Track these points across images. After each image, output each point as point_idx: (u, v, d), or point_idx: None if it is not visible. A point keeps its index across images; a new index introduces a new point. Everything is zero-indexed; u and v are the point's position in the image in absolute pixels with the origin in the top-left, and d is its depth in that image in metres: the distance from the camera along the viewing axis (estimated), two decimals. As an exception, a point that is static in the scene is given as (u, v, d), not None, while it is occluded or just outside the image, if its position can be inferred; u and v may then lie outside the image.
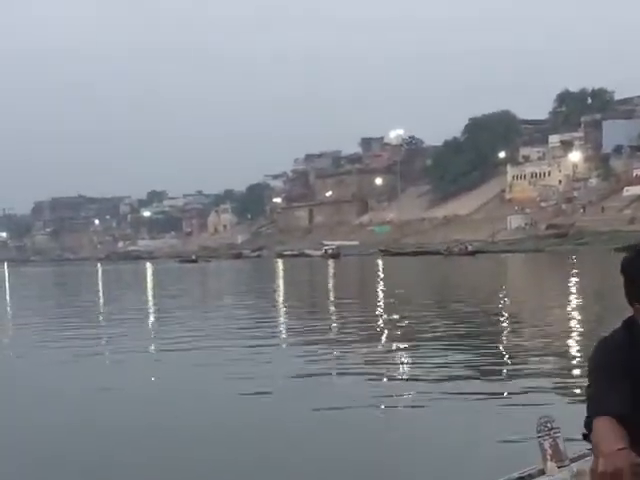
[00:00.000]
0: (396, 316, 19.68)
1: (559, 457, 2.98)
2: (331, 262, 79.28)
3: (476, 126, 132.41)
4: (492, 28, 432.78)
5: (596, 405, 2.47)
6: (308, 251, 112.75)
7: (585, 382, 2.72)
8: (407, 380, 11.06)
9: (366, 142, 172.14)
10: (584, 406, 2.67)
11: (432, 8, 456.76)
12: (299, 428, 8.52)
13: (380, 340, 15.55)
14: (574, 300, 23.54)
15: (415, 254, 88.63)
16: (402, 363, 12.73)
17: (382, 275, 45.43)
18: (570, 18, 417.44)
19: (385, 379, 11.17)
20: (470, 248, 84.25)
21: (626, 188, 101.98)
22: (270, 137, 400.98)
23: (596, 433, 2.38)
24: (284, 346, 15.51)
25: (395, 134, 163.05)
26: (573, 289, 28.25)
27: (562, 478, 2.95)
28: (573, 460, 3.06)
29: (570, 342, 14.44)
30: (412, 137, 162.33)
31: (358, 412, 9.06)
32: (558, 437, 2.93)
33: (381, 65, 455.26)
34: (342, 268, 61.76)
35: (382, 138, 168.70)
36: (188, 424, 8.80)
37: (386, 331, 17.04)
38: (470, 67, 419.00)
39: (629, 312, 2.65)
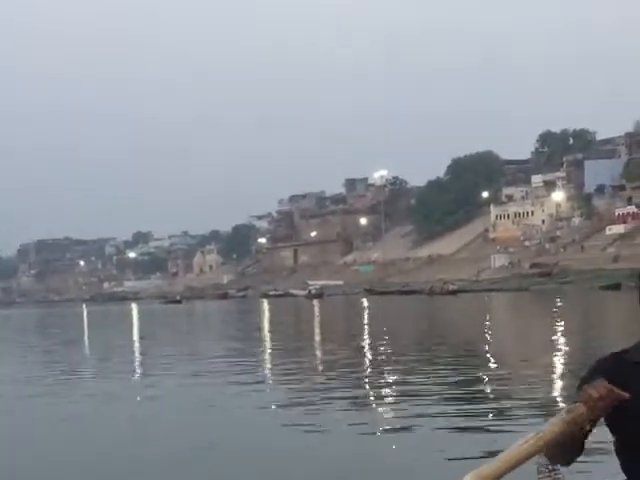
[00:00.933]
0: (380, 357, 19.75)
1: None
2: (315, 302, 79.25)
3: (459, 166, 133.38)
4: (480, 72, 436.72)
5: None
6: (293, 291, 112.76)
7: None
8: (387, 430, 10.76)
9: (350, 183, 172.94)
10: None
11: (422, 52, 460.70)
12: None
13: (364, 384, 15.46)
14: (559, 341, 23.53)
15: (400, 293, 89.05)
16: (385, 409, 12.50)
17: (366, 315, 45.47)
18: (547, 60, 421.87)
19: (369, 425, 10.88)
20: (451, 287, 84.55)
21: (609, 227, 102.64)
22: (254, 177, 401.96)
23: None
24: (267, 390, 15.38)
25: (379, 175, 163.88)
26: (558, 329, 28.21)
27: None
28: None
29: (554, 383, 14.37)
30: (396, 178, 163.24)
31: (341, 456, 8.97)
32: (559, 478, 2.84)
33: (363, 107, 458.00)
34: (326, 308, 61.79)
35: (366, 179, 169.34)
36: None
37: (370, 372, 17.07)
38: (451, 107, 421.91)
39: (616, 347, 2.71)
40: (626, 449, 2.49)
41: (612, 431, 2.53)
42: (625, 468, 2.52)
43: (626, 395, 2.28)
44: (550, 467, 2.76)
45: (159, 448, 9.68)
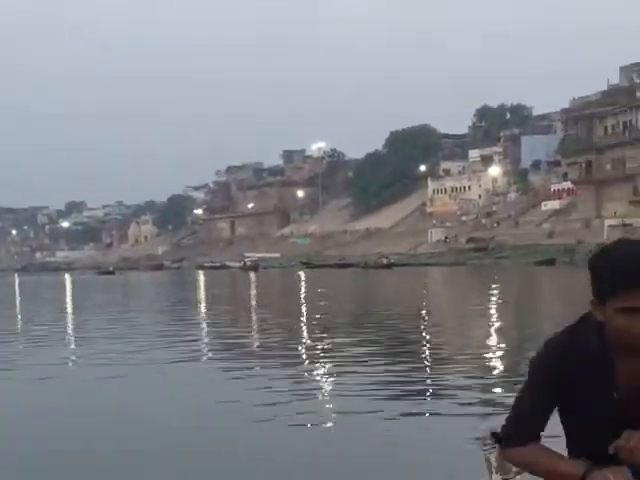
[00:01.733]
0: (314, 330, 19.39)
1: (505, 470, 2.93)
2: (252, 274, 78.89)
3: (397, 140, 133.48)
4: (420, 46, 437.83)
5: (521, 428, 2.49)
6: (229, 263, 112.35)
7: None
8: (329, 396, 10.81)
9: (288, 154, 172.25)
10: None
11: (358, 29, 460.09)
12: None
13: (301, 356, 15.23)
14: (494, 313, 23.61)
15: (337, 266, 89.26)
16: (322, 378, 12.39)
17: (302, 288, 45.17)
18: (486, 36, 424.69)
19: (306, 394, 10.79)
20: (386, 261, 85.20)
21: (544, 203, 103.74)
22: (191, 148, 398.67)
23: (543, 455, 2.43)
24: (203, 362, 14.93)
25: (317, 147, 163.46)
26: (494, 302, 28.30)
27: None
28: (518, 473, 2.96)
29: (493, 355, 14.38)
30: (334, 150, 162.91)
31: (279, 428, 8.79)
32: None
33: (303, 78, 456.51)
34: (262, 280, 61.50)
35: (304, 151, 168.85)
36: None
37: (307, 344, 16.71)
38: (391, 80, 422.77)
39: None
40: (573, 438, 2.52)
41: (563, 419, 2.55)
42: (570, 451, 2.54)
43: None
44: (494, 439, 2.74)
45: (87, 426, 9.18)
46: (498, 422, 2.64)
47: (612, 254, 2.34)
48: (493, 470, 2.87)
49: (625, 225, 76.23)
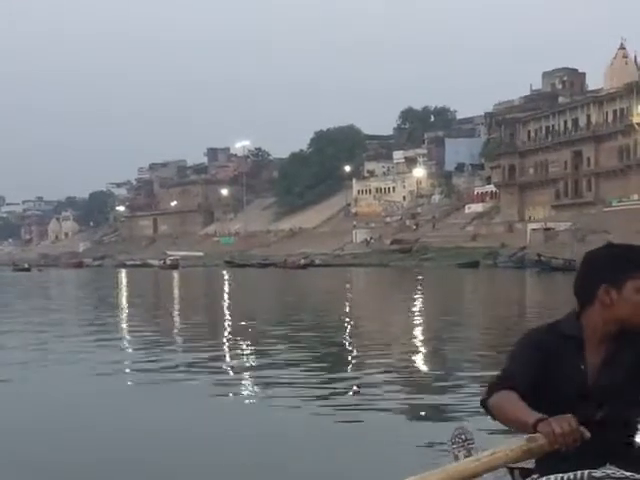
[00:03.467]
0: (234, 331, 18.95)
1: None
2: (175, 273, 77.92)
3: (322, 139, 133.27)
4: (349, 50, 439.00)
5: (505, 372, 2.63)
6: (151, 261, 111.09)
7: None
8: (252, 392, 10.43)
9: (212, 152, 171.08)
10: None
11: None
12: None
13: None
14: (415, 313, 23.21)
15: (259, 266, 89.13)
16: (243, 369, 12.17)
17: (225, 287, 44.61)
18: (413, 37, 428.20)
19: (229, 392, 10.35)
20: (303, 262, 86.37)
21: (468, 205, 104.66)
22: (114, 145, 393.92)
23: (508, 400, 2.51)
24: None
25: (241, 145, 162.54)
26: (416, 302, 28.03)
27: None
28: (487, 470, 2.87)
29: (414, 354, 14.14)
30: (258, 149, 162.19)
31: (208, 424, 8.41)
32: (472, 448, 2.91)
33: (227, 76, 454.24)
34: (183, 279, 60.81)
35: (228, 149, 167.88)
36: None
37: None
38: (316, 80, 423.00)
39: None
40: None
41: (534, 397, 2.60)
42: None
43: (588, 435, 2.33)
44: (464, 437, 2.89)
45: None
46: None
47: (627, 245, 2.72)
48: None
49: (547, 229, 77.30)
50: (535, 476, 2.61)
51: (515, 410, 2.49)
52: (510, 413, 2.50)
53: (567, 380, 2.63)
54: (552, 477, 2.45)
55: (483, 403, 2.65)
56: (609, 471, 2.44)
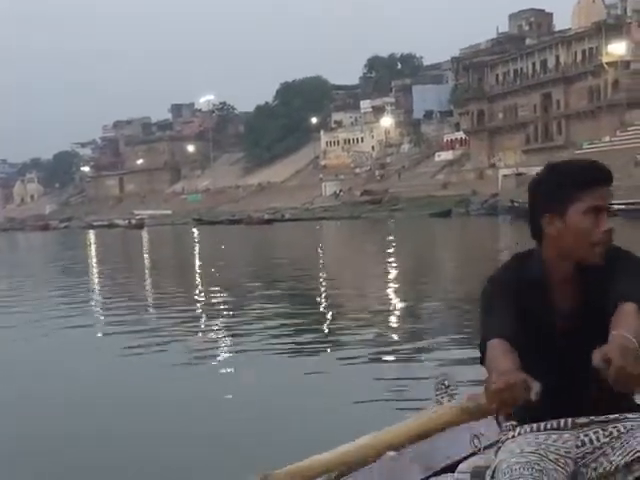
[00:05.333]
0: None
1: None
2: (143, 232, 76.53)
3: (288, 91, 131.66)
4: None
5: (485, 330, 2.46)
6: (117, 221, 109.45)
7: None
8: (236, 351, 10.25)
9: (176, 108, 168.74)
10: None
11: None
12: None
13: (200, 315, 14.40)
14: (387, 268, 22.64)
15: (228, 222, 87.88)
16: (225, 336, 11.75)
17: (196, 245, 43.30)
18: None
19: (215, 353, 10.21)
20: (266, 217, 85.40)
21: (437, 153, 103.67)
22: (77, 102, 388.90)
23: (489, 355, 2.36)
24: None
25: (205, 100, 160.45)
26: (388, 256, 27.05)
27: (460, 433, 2.97)
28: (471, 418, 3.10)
29: (391, 307, 14.21)
30: (223, 103, 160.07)
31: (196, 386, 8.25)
32: (455, 394, 2.98)
33: (188, 28, 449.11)
34: (149, 239, 59.51)
35: (193, 104, 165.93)
36: None
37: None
38: (273, 31, 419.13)
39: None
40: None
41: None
42: None
43: (537, 389, 2.15)
44: (446, 383, 2.93)
45: None
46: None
47: (566, 165, 2.49)
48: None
49: (519, 174, 76.24)
50: (515, 423, 2.51)
51: (491, 363, 2.33)
52: (492, 363, 2.33)
53: (537, 328, 2.47)
54: (534, 425, 2.44)
55: (482, 362, 2.45)
56: (592, 416, 2.43)
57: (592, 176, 2.41)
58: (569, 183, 2.40)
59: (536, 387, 2.12)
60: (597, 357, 2.03)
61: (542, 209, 2.46)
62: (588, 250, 2.41)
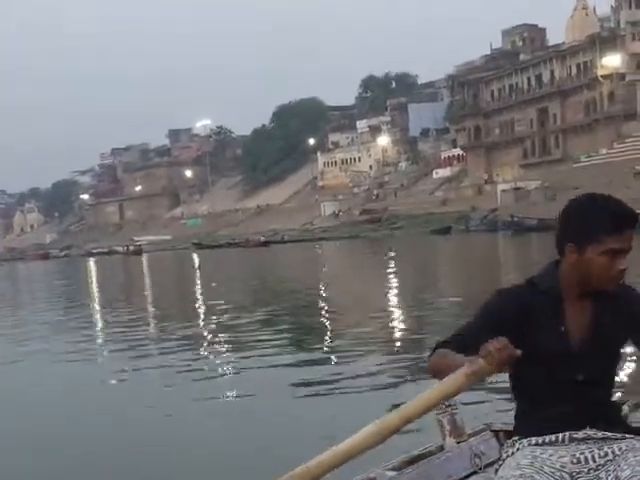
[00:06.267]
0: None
1: (458, 433, 3.07)
2: (143, 258, 76.19)
3: (284, 113, 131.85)
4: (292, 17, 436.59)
5: (466, 334, 2.57)
6: (117, 248, 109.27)
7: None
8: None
9: (174, 134, 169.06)
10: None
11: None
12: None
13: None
14: (388, 285, 22.40)
15: (228, 245, 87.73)
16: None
17: (197, 272, 43.11)
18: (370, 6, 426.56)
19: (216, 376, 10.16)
20: (263, 239, 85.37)
21: (435, 171, 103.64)
22: (75, 131, 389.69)
23: (441, 354, 2.50)
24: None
25: (202, 124, 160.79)
26: (389, 274, 26.86)
27: (461, 453, 3.04)
28: (471, 435, 3.16)
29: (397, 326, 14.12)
30: (220, 127, 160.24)
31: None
32: (456, 414, 2.98)
33: (185, 55, 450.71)
34: (145, 265, 59.15)
35: (190, 129, 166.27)
36: None
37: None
38: (272, 55, 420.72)
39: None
40: (521, 378, 2.61)
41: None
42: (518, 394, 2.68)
43: (518, 353, 2.29)
44: (447, 402, 2.89)
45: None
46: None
47: (596, 202, 2.54)
48: (447, 433, 2.96)
49: (517, 189, 76.23)
50: (516, 438, 2.59)
51: (452, 360, 2.42)
52: (447, 363, 2.43)
53: (545, 337, 2.55)
54: (533, 439, 2.50)
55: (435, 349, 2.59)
56: (590, 432, 2.50)
57: (618, 223, 2.48)
58: (595, 225, 2.48)
59: (517, 351, 2.28)
60: None
61: (567, 237, 2.56)
62: (602, 283, 2.53)
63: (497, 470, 2.57)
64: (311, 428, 7.01)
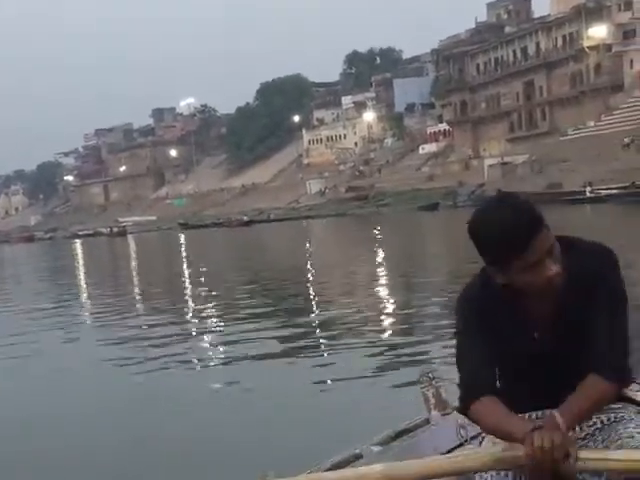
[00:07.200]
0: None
1: (443, 406, 3.10)
2: (128, 240, 75.44)
3: (268, 91, 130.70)
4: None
5: (471, 385, 2.43)
6: (102, 229, 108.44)
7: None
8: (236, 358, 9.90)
9: (158, 113, 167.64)
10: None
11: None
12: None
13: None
14: (376, 265, 22.19)
15: (214, 225, 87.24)
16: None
17: (183, 250, 42.43)
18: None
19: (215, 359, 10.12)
20: (245, 219, 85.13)
21: (421, 146, 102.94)
22: (58, 113, 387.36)
23: (489, 414, 2.34)
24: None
25: (186, 103, 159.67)
26: (377, 254, 26.37)
27: (446, 425, 3.05)
28: (456, 408, 3.08)
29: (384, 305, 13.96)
30: (204, 106, 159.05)
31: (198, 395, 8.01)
32: (440, 387, 2.99)
33: (168, 32, 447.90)
34: (125, 247, 58.45)
35: (174, 109, 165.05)
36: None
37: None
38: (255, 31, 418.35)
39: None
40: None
41: None
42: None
43: (574, 455, 2.13)
44: (431, 376, 2.98)
45: None
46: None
47: (486, 229, 2.31)
48: (432, 406, 3.01)
49: (504, 164, 75.57)
50: None
51: (500, 422, 2.30)
52: (495, 425, 2.32)
53: (514, 331, 2.44)
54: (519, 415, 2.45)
55: (462, 412, 2.51)
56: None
57: (512, 246, 2.25)
58: (494, 257, 2.32)
59: (574, 452, 2.10)
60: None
61: (486, 261, 2.38)
62: (538, 292, 2.35)
63: (481, 442, 2.54)
64: (295, 412, 7.03)
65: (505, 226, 2.25)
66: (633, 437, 2.29)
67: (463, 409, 2.46)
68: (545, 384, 2.44)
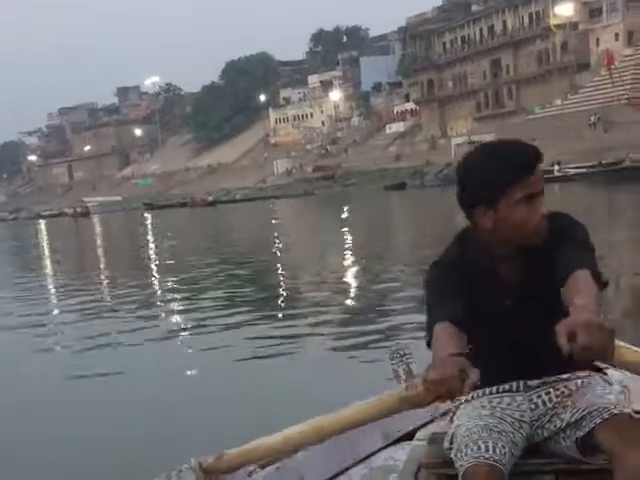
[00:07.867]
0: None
1: (413, 381, 2.99)
2: (92, 220, 74.60)
3: (234, 70, 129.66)
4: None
5: (433, 313, 2.44)
6: (67, 210, 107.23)
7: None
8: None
9: (122, 92, 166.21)
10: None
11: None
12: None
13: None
14: (343, 245, 21.70)
15: (180, 205, 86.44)
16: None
17: (149, 230, 41.84)
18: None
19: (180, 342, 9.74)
20: (210, 199, 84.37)
21: (388, 125, 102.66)
22: (21, 92, 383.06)
23: (433, 341, 2.37)
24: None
25: (151, 82, 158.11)
26: (344, 234, 25.95)
27: None
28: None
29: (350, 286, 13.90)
30: (169, 84, 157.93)
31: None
32: (411, 362, 2.88)
33: (128, 9, 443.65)
34: (89, 228, 57.70)
35: (139, 87, 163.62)
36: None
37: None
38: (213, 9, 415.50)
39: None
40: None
41: None
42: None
43: (473, 380, 2.14)
44: (402, 352, 2.93)
45: None
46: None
47: (493, 151, 2.39)
48: (402, 382, 2.91)
49: (471, 142, 75.37)
50: None
51: (435, 349, 2.32)
52: (433, 349, 2.35)
53: (486, 302, 2.43)
54: (487, 389, 2.49)
55: (427, 344, 2.47)
56: (544, 378, 2.48)
57: (522, 167, 2.31)
58: (498, 177, 2.31)
59: (473, 376, 2.12)
60: (562, 333, 2.01)
61: (473, 199, 2.37)
62: (525, 237, 2.35)
63: (452, 417, 2.54)
64: (255, 393, 6.87)
65: (515, 149, 2.34)
66: (602, 397, 2.33)
67: (427, 342, 2.41)
68: (518, 354, 2.41)
